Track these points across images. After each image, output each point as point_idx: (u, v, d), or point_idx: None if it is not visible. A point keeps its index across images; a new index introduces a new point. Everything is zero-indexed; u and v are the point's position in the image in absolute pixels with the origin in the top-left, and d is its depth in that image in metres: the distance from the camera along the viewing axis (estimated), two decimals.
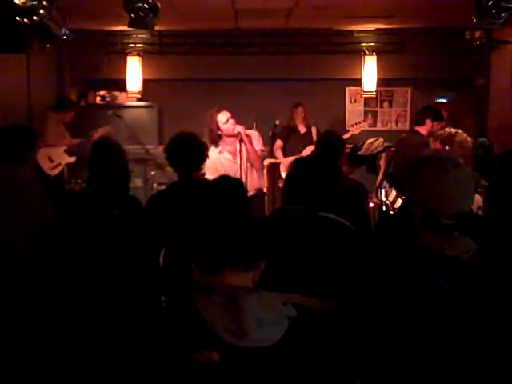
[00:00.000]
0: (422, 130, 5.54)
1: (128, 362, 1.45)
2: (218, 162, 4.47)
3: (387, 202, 4.56)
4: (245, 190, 2.95)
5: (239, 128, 4.51)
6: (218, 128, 4.52)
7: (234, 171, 4.35)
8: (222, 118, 4.52)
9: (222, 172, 4.00)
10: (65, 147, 6.75)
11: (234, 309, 1.42)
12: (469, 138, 4.07)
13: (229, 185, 2.87)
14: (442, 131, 4.35)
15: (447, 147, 4.03)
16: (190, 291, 1.51)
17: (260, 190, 4.76)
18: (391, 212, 4.44)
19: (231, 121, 4.52)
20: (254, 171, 4.61)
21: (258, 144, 4.68)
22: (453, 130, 4.16)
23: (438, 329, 1.73)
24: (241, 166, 4.45)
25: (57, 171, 6.63)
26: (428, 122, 5.53)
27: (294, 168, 2.84)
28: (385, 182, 4.73)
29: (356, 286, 2.06)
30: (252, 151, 4.54)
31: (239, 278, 1.51)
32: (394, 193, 4.50)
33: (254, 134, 4.78)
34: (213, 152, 4.29)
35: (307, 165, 2.82)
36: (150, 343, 1.45)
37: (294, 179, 2.77)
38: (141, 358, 1.43)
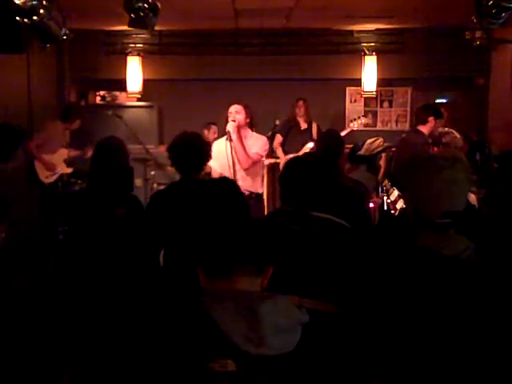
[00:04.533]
0: (425, 128, 5.55)
1: (137, 368, 1.42)
2: (218, 146, 4.56)
3: (388, 201, 4.56)
4: (240, 191, 2.95)
5: (230, 127, 4.52)
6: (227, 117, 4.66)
7: (223, 161, 4.44)
8: (230, 108, 4.66)
9: (215, 157, 4.03)
10: (65, 156, 6.76)
11: (251, 315, 1.38)
12: (458, 138, 4.08)
13: (227, 187, 2.86)
14: (432, 132, 4.36)
15: (435, 148, 4.05)
16: (198, 296, 1.47)
17: (253, 193, 4.69)
18: (392, 212, 4.45)
19: (233, 113, 4.59)
20: (243, 171, 4.55)
21: (257, 147, 4.66)
22: (444, 130, 4.17)
23: (437, 329, 1.73)
24: (232, 161, 4.47)
25: (51, 180, 6.63)
26: (431, 119, 5.55)
27: (285, 168, 2.84)
28: (386, 181, 4.73)
29: (354, 286, 2.05)
30: (239, 149, 4.50)
31: (248, 284, 1.48)
32: (395, 192, 4.50)
33: (262, 139, 4.79)
34: (223, 138, 4.62)
35: (299, 165, 2.81)
36: (160, 349, 1.41)
37: (286, 179, 2.77)
38: (151, 366, 1.40)
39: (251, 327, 1.38)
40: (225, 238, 1.52)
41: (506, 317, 1.72)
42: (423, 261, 1.80)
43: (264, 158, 4.86)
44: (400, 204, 4.33)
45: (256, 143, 4.68)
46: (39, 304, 3.02)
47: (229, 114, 4.63)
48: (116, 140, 3.91)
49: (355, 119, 7.47)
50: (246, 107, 4.69)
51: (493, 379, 1.70)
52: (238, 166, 4.48)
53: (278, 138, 6.97)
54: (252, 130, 4.79)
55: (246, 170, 4.56)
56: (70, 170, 6.84)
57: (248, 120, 4.68)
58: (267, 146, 4.84)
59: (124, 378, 1.43)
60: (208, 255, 1.52)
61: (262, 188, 4.92)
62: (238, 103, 4.71)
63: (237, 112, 4.61)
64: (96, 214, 3.19)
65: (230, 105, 4.67)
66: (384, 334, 1.77)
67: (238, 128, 4.55)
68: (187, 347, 1.39)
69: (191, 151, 3.46)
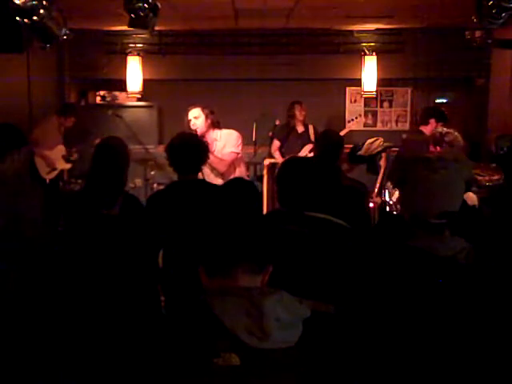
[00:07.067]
0: (426, 129, 5.57)
1: (142, 365, 1.42)
2: None
3: (390, 202, 4.56)
4: (258, 193, 2.95)
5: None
6: (189, 124, 4.54)
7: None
8: (188, 115, 4.53)
9: None
10: (63, 152, 6.78)
11: (255, 310, 1.40)
12: (460, 137, 4.07)
13: (241, 186, 2.87)
14: (433, 132, 4.35)
15: (438, 148, 4.04)
16: (200, 293, 1.48)
17: None
18: (395, 212, 4.45)
19: (192, 120, 4.49)
20: (213, 175, 4.44)
21: (230, 146, 4.56)
22: (444, 130, 4.16)
23: (432, 330, 1.73)
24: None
25: (52, 175, 6.65)
26: (432, 121, 5.58)
27: (281, 169, 2.84)
28: (388, 183, 4.73)
29: (349, 286, 2.05)
30: (211, 159, 4.25)
31: (250, 281, 1.48)
32: (397, 193, 4.50)
33: (232, 134, 4.66)
34: None
35: (295, 165, 2.81)
36: (165, 346, 1.41)
37: (282, 180, 2.77)
38: (155, 362, 1.40)
39: (254, 322, 1.39)
40: (231, 236, 1.52)
41: (503, 318, 1.72)
42: (418, 262, 1.80)
43: (240, 154, 4.70)
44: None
45: (228, 142, 4.57)
46: (37, 303, 3.01)
47: (189, 122, 4.49)
48: (116, 140, 3.90)
49: (352, 120, 7.47)
50: (203, 108, 4.53)
51: (491, 380, 1.70)
52: (212, 176, 4.35)
53: (276, 144, 6.95)
54: (219, 128, 4.61)
55: (223, 173, 4.46)
56: (68, 166, 6.87)
57: (209, 121, 4.53)
58: (240, 140, 4.68)
59: (129, 376, 1.43)
60: (209, 254, 1.52)
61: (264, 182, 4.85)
62: (194, 106, 4.54)
63: (195, 118, 4.49)
64: (86, 214, 3.19)
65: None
66: (379, 335, 1.77)
67: (202, 135, 4.42)
68: (191, 343, 1.40)
69: (189, 151, 3.45)
